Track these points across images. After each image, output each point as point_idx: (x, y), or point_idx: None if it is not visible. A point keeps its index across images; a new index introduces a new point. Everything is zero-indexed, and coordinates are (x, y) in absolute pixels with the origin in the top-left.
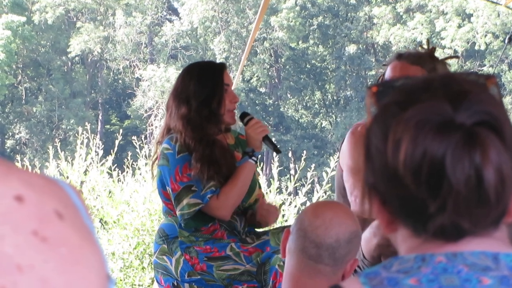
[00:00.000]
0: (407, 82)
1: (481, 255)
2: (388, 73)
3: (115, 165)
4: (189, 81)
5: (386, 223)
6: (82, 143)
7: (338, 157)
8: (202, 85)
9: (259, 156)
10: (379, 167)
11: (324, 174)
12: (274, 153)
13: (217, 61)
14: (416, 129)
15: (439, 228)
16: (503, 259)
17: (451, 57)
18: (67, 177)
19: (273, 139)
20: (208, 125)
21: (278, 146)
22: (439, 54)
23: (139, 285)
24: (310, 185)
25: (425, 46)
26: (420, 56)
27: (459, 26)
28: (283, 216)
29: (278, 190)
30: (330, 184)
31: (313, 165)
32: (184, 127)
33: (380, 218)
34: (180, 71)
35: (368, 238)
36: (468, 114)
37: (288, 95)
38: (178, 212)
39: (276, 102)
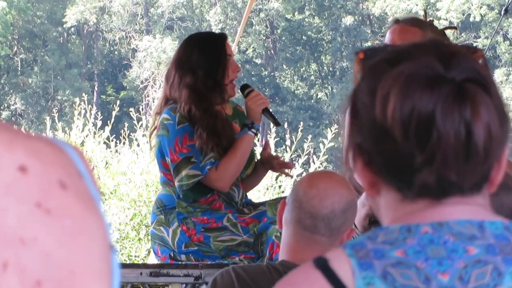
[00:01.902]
0: (396, 46)
1: (467, 223)
2: (388, 37)
3: (113, 135)
4: (193, 51)
5: (368, 184)
6: (79, 114)
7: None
8: (207, 55)
9: (258, 128)
10: (366, 122)
11: (321, 145)
12: (271, 124)
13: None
14: (405, 83)
15: (424, 185)
16: (488, 227)
17: (449, 27)
18: None
19: (272, 111)
20: (213, 94)
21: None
22: None
23: (135, 256)
24: (306, 156)
25: (423, 18)
26: (418, 19)
27: None
28: (280, 187)
29: None
30: (327, 156)
31: (309, 137)
32: (190, 97)
33: (362, 179)
34: (176, 42)
35: (358, 208)
36: (458, 70)
37: (284, 66)
38: (176, 183)
39: (272, 73)
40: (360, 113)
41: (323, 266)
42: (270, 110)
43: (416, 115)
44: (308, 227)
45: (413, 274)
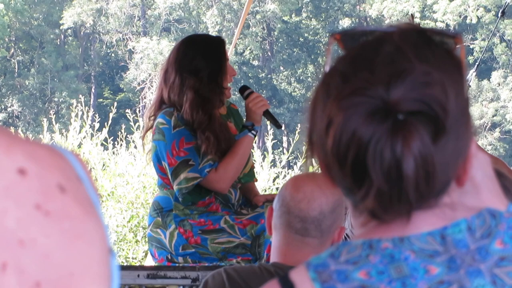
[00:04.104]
0: (365, 38)
1: (429, 237)
2: None
3: (111, 137)
4: (195, 54)
5: (329, 183)
6: (76, 115)
7: None
8: (210, 58)
9: (258, 130)
10: (318, 134)
11: None
12: (269, 126)
13: (210, 34)
14: (345, 114)
15: (369, 211)
16: (450, 234)
17: None
18: None
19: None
20: (214, 97)
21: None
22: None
23: (132, 258)
24: (304, 159)
25: (411, 20)
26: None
27: (451, 0)
28: (277, 189)
29: (272, 163)
30: None
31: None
32: (194, 100)
33: (323, 176)
34: (173, 44)
35: None
36: (402, 100)
37: (281, 68)
38: (175, 187)
39: (269, 75)
40: (316, 120)
41: None
42: (271, 112)
43: (352, 153)
44: (298, 230)
45: None
